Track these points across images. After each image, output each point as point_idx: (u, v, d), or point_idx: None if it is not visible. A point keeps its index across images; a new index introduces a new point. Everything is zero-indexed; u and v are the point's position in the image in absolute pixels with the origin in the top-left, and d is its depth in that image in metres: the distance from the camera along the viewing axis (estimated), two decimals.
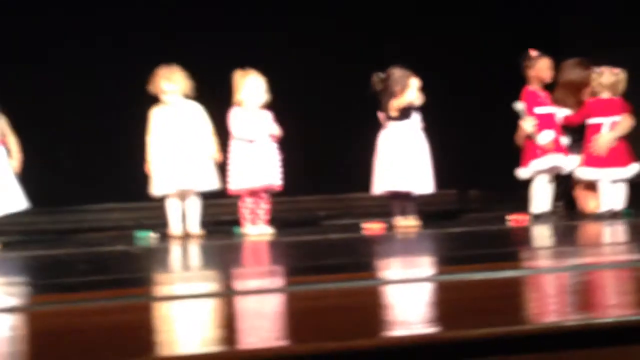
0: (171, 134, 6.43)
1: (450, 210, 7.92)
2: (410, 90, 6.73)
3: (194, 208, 6.47)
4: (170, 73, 6.41)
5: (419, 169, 6.73)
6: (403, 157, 6.71)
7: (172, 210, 6.47)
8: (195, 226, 6.46)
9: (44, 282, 4.21)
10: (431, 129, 6.87)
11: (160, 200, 6.59)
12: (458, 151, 8.51)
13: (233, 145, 6.47)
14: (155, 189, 6.43)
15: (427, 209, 7.07)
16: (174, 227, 6.44)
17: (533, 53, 7.17)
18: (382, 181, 6.73)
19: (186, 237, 6.38)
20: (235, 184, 6.43)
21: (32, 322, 3.09)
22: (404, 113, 6.77)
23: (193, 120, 6.46)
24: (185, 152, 6.39)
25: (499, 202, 7.96)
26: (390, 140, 6.78)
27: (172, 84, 6.39)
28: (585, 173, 7.03)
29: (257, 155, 6.43)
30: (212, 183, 6.40)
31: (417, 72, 6.81)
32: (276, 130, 6.49)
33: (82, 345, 2.61)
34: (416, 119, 6.82)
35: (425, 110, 6.84)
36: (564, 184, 7.28)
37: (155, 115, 6.46)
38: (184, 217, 6.46)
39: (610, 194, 6.97)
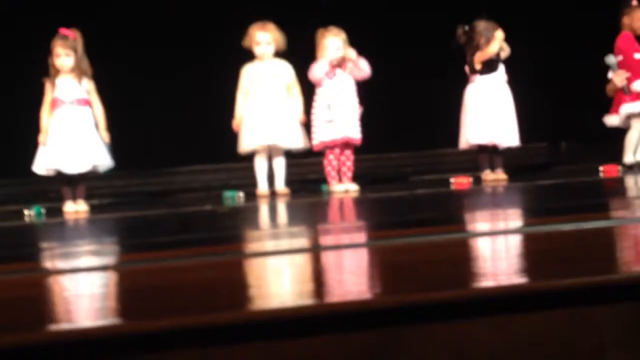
0: (260, 90, 6.45)
1: (540, 163, 7.81)
2: (495, 43, 6.62)
3: (280, 167, 6.50)
4: (265, 25, 6.44)
5: (505, 121, 6.64)
6: (489, 111, 6.63)
7: (260, 169, 6.51)
8: (281, 184, 6.49)
9: (132, 242, 4.29)
10: (520, 82, 6.76)
11: (248, 160, 6.63)
12: (548, 103, 8.38)
13: (315, 101, 6.47)
14: (243, 145, 6.47)
15: (517, 162, 6.98)
16: (261, 185, 6.49)
17: (634, 2, 7.00)
18: (469, 135, 6.66)
19: (273, 195, 6.42)
20: (316, 139, 6.43)
21: (121, 279, 3.14)
22: (490, 66, 6.68)
23: (282, 79, 6.47)
24: (272, 109, 6.41)
25: (590, 153, 7.82)
26: (476, 93, 6.70)
27: (266, 33, 6.41)
28: None
29: (335, 109, 6.40)
30: (298, 141, 6.41)
31: (503, 24, 6.69)
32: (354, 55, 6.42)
33: (170, 301, 2.65)
34: (501, 71, 6.72)
35: (512, 62, 6.74)
36: None
37: (246, 72, 6.49)
38: (271, 176, 6.49)
39: None
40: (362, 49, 6.53)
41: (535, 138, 7.28)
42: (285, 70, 6.50)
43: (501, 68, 6.72)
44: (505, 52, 6.69)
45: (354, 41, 6.51)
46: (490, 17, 6.69)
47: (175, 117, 8.15)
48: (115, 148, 6.10)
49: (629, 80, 6.88)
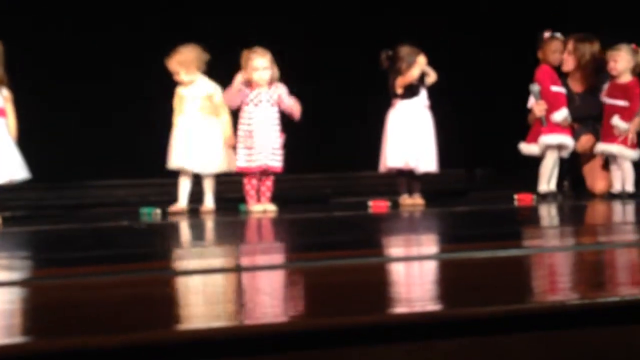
0: (187, 112, 6.57)
1: (457, 189, 7.91)
2: (416, 68, 6.70)
3: (209, 185, 6.58)
4: (185, 50, 6.51)
5: (423, 147, 6.71)
6: (408, 135, 6.69)
7: (182, 187, 6.56)
8: (210, 202, 6.57)
9: (44, 257, 4.21)
10: (439, 107, 6.84)
11: (166, 176, 6.62)
12: (465, 130, 8.49)
13: (239, 124, 6.50)
14: (171, 162, 6.55)
15: (434, 188, 7.05)
16: (181, 202, 6.50)
17: (546, 34, 7.15)
18: (388, 159, 6.71)
19: (191, 212, 6.41)
20: (238, 163, 6.47)
21: (32, 295, 3.08)
22: (411, 91, 6.74)
23: (209, 101, 6.58)
24: (198, 133, 6.53)
25: (505, 181, 7.94)
26: (397, 118, 6.76)
27: (187, 59, 6.47)
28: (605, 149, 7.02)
29: (255, 136, 6.43)
30: (220, 166, 6.55)
31: (425, 49, 6.77)
32: (291, 104, 6.48)
33: (82, 318, 2.60)
34: (423, 96, 6.79)
35: (432, 88, 6.81)
36: (570, 163, 7.27)
37: (178, 93, 6.62)
38: (199, 192, 6.55)
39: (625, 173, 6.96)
40: (286, 71, 6.54)
41: (452, 164, 7.36)
42: (213, 91, 6.59)
43: (423, 93, 6.78)
44: (431, 77, 6.76)
45: (277, 63, 6.53)
46: (413, 42, 6.77)
47: (94, 130, 8.04)
48: (31, 160, 6.00)
49: (547, 112, 7.01)
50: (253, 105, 6.47)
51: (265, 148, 6.44)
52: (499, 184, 8.09)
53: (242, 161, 6.45)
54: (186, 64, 6.53)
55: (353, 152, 8.00)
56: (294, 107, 6.50)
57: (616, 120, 6.94)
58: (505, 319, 2.57)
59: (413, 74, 6.70)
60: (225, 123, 6.59)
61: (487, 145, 8.87)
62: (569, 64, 7.23)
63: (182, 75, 6.55)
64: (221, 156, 6.55)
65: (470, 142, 8.68)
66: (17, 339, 2.35)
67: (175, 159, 6.52)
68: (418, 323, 2.56)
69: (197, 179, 6.59)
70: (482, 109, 8.81)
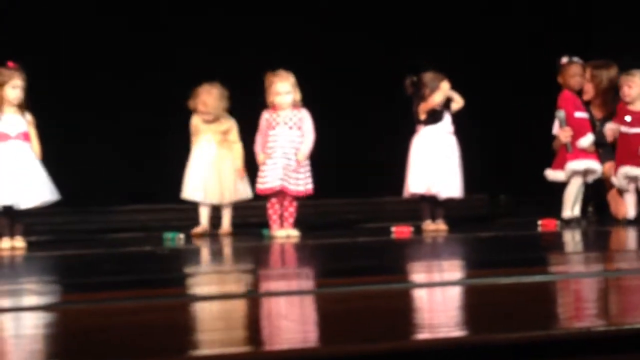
0: (204, 143, 6.69)
1: (480, 214, 7.88)
2: (439, 94, 6.70)
3: (227, 212, 6.68)
4: (211, 91, 6.65)
5: (448, 172, 6.69)
6: (431, 161, 6.67)
7: (202, 211, 6.65)
8: (227, 225, 6.66)
9: (70, 282, 4.22)
10: (463, 133, 6.83)
11: (188, 202, 6.68)
12: (490, 156, 8.48)
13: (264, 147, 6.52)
14: (186, 193, 6.67)
15: (457, 213, 7.03)
16: (203, 223, 6.59)
17: (563, 60, 7.14)
18: (411, 184, 6.70)
19: (215, 236, 6.44)
20: (260, 185, 6.49)
21: (61, 320, 3.09)
22: (435, 116, 6.74)
23: (226, 134, 6.70)
24: (213, 164, 6.65)
25: (529, 208, 7.91)
26: (420, 144, 6.74)
27: (214, 102, 6.62)
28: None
29: (277, 157, 6.45)
30: (238, 194, 6.64)
31: (451, 76, 6.77)
32: (308, 143, 6.50)
33: (105, 343, 2.61)
34: (447, 122, 6.78)
35: (458, 114, 6.81)
36: (594, 189, 7.23)
37: (194, 123, 6.71)
38: (217, 217, 6.59)
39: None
40: (311, 95, 6.56)
41: (476, 190, 7.34)
42: (228, 126, 6.71)
43: (447, 119, 6.77)
44: (458, 103, 6.76)
45: (302, 87, 6.55)
46: (438, 69, 6.77)
47: (117, 155, 8.09)
48: (55, 184, 6.03)
49: (572, 138, 6.99)
50: (273, 128, 6.49)
51: (281, 170, 6.44)
52: (522, 210, 8.05)
53: (260, 183, 6.48)
54: (213, 105, 6.63)
55: (378, 177, 8.00)
56: (308, 134, 6.51)
57: None
58: (530, 345, 2.56)
59: (435, 99, 6.69)
60: (237, 154, 6.68)
61: (511, 172, 8.85)
62: (589, 92, 7.23)
63: (206, 114, 6.64)
64: (234, 186, 6.64)
65: (495, 168, 8.67)
66: None
67: (190, 190, 6.63)
68: (441, 349, 2.55)
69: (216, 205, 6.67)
70: (507, 135, 8.79)
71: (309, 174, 6.52)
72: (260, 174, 6.49)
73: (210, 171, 6.65)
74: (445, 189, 6.67)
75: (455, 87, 6.76)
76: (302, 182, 6.48)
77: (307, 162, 6.52)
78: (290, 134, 6.50)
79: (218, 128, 6.71)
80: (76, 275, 4.49)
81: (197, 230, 6.56)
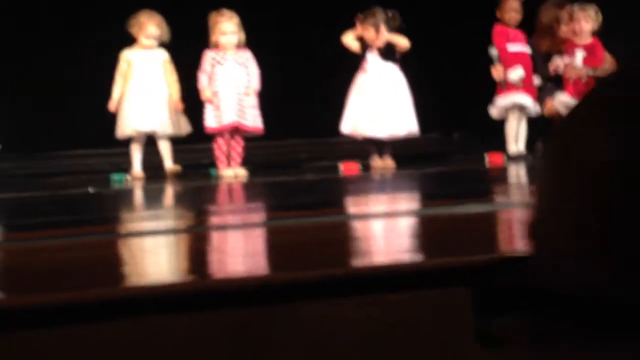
0: (138, 77, 6.52)
1: (431, 153, 7.91)
2: (383, 34, 6.68)
3: (166, 148, 6.54)
4: (155, 18, 6.49)
5: (393, 111, 6.69)
6: (378, 99, 6.67)
7: (135, 153, 6.54)
8: (169, 163, 6.54)
9: (7, 223, 4.19)
10: (412, 72, 6.82)
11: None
12: (441, 94, 8.49)
13: (208, 86, 6.47)
14: (120, 130, 6.53)
15: (408, 152, 7.05)
16: (136, 167, 6.50)
17: None
18: (355, 123, 6.70)
19: (161, 177, 6.41)
20: (208, 123, 6.44)
21: None
22: (383, 53, 6.73)
23: (160, 66, 6.54)
24: (150, 96, 6.49)
25: (481, 144, 7.95)
26: (367, 82, 6.74)
27: (157, 29, 6.43)
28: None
29: (223, 95, 6.40)
30: (176, 129, 6.50)
31: (402, 13, 6.75)
32: (255, 82, 6.45)
33: (45, 279, 2.59)
34: (395, 60, 6.77)
35: (405, 52, 6.79)
36: (543, 126, 7.27)
37: (125, 57, 6.52)
38: (162, 158, 6.53)
39: None
40: (255, 34, 6.51)
41: (428, 129, 7.35)
42: (163, 57, 6.56)
43: (395, 56, 6.76)
44: (403, 43, 6.74)
45: (247, 25, 6.49)
46: (386, 6, 6.74)
47: (62, 100, 7.99)
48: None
49: (505, 74, 7.01)
50: (220, 67, 6.44)
51: (232, 107, 6.41)
52: (474, 147, 8.10)
53: (210, 121, 6.44)
54: (162, 27, 6.50)
55: (328, 115, 7.98)
56: (255, 72, 6.47)
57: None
58: (460, 270, 2.57)
59: (385, 36, 6.68)
60: (175, 86, 6.54)
61: (465, 109, 8.87)
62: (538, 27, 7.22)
63: (151, 38, 6.48)
64: (174, 119, 6.51)
65: (447, 106, 8.68)
66: None
67: (129, 123, 6.47)
68: (373, 276, 2.57)
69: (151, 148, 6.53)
70: (461, 71, 8.80)
71: (258, 112, 6.50)
72: (209, 112, 6.43)
73: (149, 103, 6.47)
74: (396, 128, 6.67)
75: (404, 25, 6.73)
76: (257, 119, 6.47)
77: (256, 100, 6.50)
78: (239, 72, 6.46)
79: (157, 59, 6.55)
80: (15, 217, 4.45)
81: (136, 174, 6.44)
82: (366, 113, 6.62)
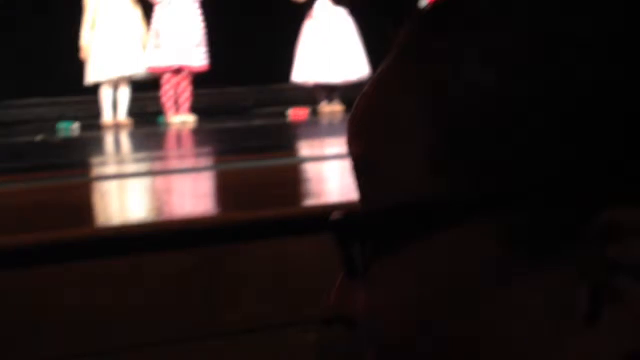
0: (105, 21, 6.42)
1: None
2: None
3: (125, 97, 6.49)
4: None
5: (343, 55, 6.72)
6: (327, 44, 6.70)
7: (105, 99, 6.47)
8: (123, 115, 6.48)
9: None
10: (362, 14, 6.83)
11: (85, 93, 6.57)
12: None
13: (151, 23, 6.39)
14: (90, 77, 6.44)
15: (359, 94, 7.08)
16: (107, 115, 6.45)
17: None
18: (307, 70, 6.72)
19: (114, 126, 6.38)
20: (147, 64, 6.37)
21: None
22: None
23: (126, 7, 6.44)
24: (118, 39, 6.38)
25: None
26: (314, 28, 6.75)
27: None
28: None
29: (165, 35, 6.32)
30: (140, 66, 6.40)
31: None
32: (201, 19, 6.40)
33: (4, 222, 2.63)
34: (346, 3, 6.77)
35: None
36: None
37: (90, 2, 6.44)
38: (115, 106, 6.46)
39: None
40: None
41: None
42: None
43: (344, 2, 6.77)
44: None
45: None
46: None
47: (9, 48, 7.90)
48: None
49: None
50: (166, 3, 6.35)
51: (177, 46, 6.33)
52: None
53: (153, 61, 6.35)
54: None
55: (277, 63, 7.99)
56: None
57: None
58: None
59: None
60: (140, 20, 6.45)
61: None
62: None
63: None
64: (136, 56, 6.41)
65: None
66: None
67: (102, 69, 6.37)
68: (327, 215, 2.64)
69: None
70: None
71: (205, 49, 6.45)
72: (152, 50, 6.34)
73: (118, 42, 6.36)
74: (342, 74, 6.70)
75: None
76: (202, 57, 6.44)
77: (203, 39, 6.44)
78: (185, 6, 6.39)
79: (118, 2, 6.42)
80: None
81: (106, 122, 6.39)
82: (316, 60, 6.64)
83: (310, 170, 3.62)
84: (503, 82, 0.45)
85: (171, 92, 6.45)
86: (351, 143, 0.49)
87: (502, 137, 0.45)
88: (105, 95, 6.46)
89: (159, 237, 2.47)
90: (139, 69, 6.39)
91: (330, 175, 3.45)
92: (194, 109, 6.48)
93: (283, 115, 6.46)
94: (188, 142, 5.50)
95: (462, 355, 0.47)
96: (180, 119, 6.40)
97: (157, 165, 4.17)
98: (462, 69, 0.46)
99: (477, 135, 0.45)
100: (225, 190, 3.19)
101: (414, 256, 0.47)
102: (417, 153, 0.46)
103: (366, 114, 0.49)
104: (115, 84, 6.42)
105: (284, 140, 5.03)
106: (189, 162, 4.11)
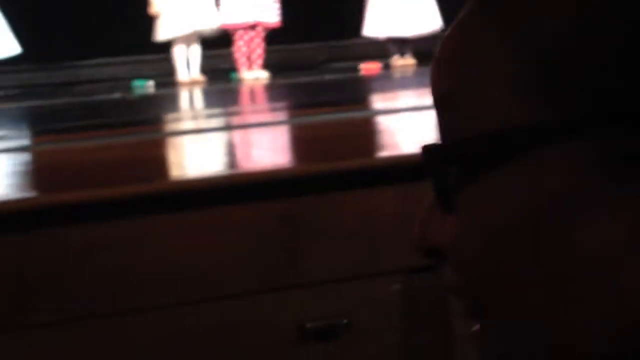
0: None
1: None
2: None
3: (196, 54, 6.53)
4: None
5: (415, 9, 6.68)
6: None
7: (179, 57, 6.49)
8: (196, 72, 6.52)
9: (42, 128, 4.27)
10: None
11: (158, 51, 6.63)
12: None
13: None
14: (161, 33, 6.45)
15: (432, 47, 7.04)
16: (182, 72, 6.50)
17: None
18: (378, 24, 6.70)
19: (189, 84, 6.44)
20: (226, 17, 6.40)
21: (35, 159, 3.16)
22: None
23: None
24: None
25: None
26: None
27: None
28: None
29: None
30: (214, 21, 6.40)
31: None
32: None
33: (87, 176, 2.69)
34: None
35: None
36: None
37: None
38: (188, 63, 6.52)
39: None
40: None
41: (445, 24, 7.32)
42: None
43: None
44: None
45: None
46: None
47: (82, 8, 7.99)
48: (20, 40, 6.00)
49: None
50: None
51: (252, 2, 6.35)
52: None
53: (228, 17, 6.37)
54: None
55: (347, 19, 7.96)
56: None
57: None
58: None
59: None
60: None
61: None
62: None
63: None
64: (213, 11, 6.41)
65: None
66: (24, 194, 2.44)
67: (168, 27, 6.41)
68: (404, 165, 2.64)
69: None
70: None
71: (278, 5, 6.46)
72: (226, 6, 6.36)
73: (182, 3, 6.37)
74: (412, 28, 6.67)
75: None
76: (276, 13, 6.45)
77: None
78: None
79: None
80: (46, 122, 4.54)
81: (182, 79, 6.42)
82: (388, 13, 6.61)
83: (384, 122, 3.63)
84: (583, 17, 0.47)
85: (244, 49, 6.48)
86: (436, 82, 0.51)
87: (589, 70, 0.47)
88: (179, 53, 6.50)
89: (238, 189, 2.50)
90: (212, 24, 6.38)
91: (404, 127, 3.45)
92: (265, 65, 6.50)
93: (355, 69, 6.46)
94: (262, 97, 5.54)
95: (548, 278, 0.49)
96: (253, 75, 6.44)
97: (233, 120, 4.22)
98: (544, 7, 0.48)
99: (564, 67, 0.47)
100: (300, 142, 3.22)
101: (501, 182, 0.49)
102: (504, 85, 0.48)
103: (452, 54, 0.51)
104: (187, 41, 6.45)
105: (357, 93, 5.04)
106: (264, 117, 4.15)
